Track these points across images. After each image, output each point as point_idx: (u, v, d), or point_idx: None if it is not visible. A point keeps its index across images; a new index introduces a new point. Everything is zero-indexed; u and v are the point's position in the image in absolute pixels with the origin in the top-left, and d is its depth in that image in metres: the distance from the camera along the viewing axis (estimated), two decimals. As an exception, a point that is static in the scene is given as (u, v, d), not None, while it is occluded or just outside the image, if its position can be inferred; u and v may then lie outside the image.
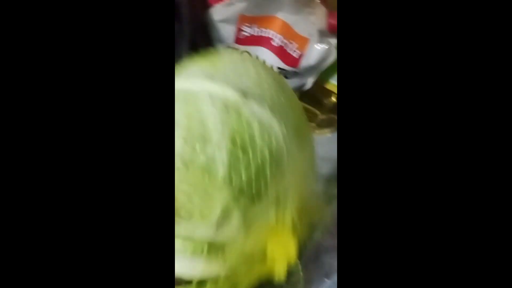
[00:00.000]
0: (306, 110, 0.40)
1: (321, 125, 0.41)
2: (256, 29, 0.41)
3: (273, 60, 0.41)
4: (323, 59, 0.40)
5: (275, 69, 0.41)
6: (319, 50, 0.40)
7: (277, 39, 0.41)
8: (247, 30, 0.41)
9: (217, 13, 0.40)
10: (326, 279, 0.32)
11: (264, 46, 0.41)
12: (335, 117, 0.41)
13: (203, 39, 0.45)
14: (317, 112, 0.42)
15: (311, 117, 0.42)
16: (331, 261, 0.34)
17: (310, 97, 0.42)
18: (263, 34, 0.41)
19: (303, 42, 0.40)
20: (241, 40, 0.41)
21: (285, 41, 0.41)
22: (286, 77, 0.42)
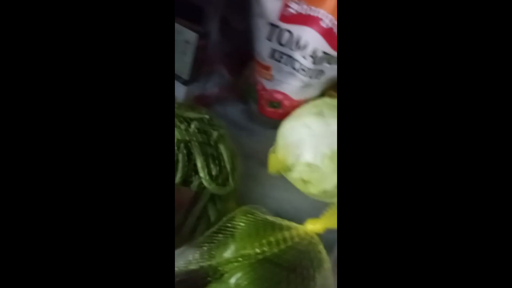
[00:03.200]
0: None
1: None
2: (305, 6, 0.35)
3: (318, 43, 0.37)
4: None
5: (320, 53, 0.37)
6: (373, 38, 0.35)
7: (327, 20, 0.35)
8: (295, 7, 0.35)
9: (263, -15, 0.34)
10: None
11: (311, 27, 0.36)
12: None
13: (236, 16, 0.39)
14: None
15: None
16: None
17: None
18: (312, 13, 0.35)
19: (356, 26, 0.35)
20: (286, 17, 0.36)
21: (336, 23, 0.36)
22: (329, 63, 0.38)
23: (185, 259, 0.34)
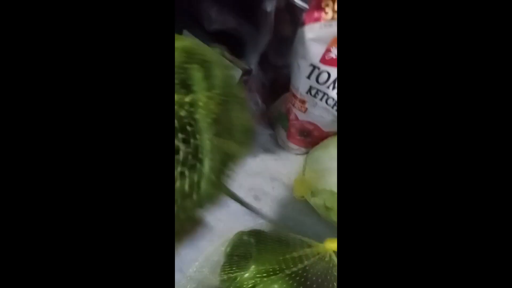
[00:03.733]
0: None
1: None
2: (344, 53, 0.40)
3: (352, 85, 0.42)
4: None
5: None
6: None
7: (362, 67, 0.40)
8: (335, 52, 0.40)
9: (311, 31, 0.39)
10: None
11: (347, 70, 0.41)
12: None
13: (275, 54, 0.44)
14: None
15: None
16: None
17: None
18: (350, 59, 0.41)
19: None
20: (326, 60, 0.41)
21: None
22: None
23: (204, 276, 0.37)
